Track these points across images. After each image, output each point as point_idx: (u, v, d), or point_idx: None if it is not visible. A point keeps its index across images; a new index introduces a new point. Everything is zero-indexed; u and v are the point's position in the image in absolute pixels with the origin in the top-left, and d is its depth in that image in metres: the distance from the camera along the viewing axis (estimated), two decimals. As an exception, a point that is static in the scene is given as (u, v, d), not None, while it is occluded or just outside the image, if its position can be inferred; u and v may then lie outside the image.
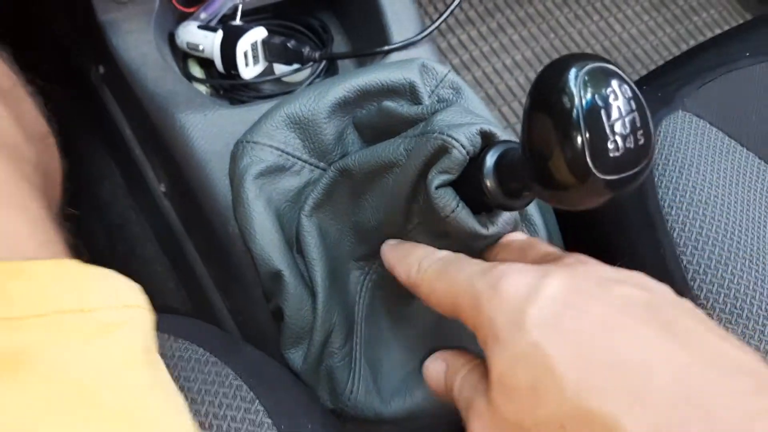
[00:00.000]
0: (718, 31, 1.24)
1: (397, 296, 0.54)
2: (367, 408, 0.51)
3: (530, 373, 0.35)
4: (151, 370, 0.36)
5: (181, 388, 0.41)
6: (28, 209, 0.39)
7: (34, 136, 0.50)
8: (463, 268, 0.42)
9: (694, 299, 0.49)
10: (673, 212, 0.51)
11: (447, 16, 0.67)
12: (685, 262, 0.49)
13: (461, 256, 0.44)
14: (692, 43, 1.23)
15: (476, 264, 0.41)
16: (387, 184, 0.49)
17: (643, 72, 1.20)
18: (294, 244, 0.55)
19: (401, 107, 0.53)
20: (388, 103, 0.54)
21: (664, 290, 0.38)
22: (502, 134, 0.47)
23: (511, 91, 1.15)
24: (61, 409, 0.31)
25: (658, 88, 0.61)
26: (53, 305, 0.33)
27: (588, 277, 0.38)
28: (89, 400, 0.32)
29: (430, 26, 0.66)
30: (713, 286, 0.48)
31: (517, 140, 0.47)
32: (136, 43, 0.64)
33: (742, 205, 0.52)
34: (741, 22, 1.26)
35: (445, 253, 0.45)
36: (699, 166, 0.53)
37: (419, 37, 0.66)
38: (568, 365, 0.34)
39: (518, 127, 1.12)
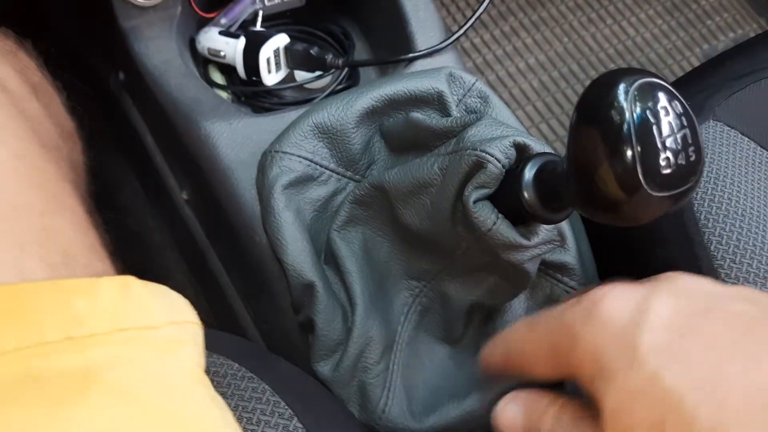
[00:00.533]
0: (731, 35, 1.24)
1: (443, 324, 0.53)
2: (399, 426, 0.50)
3: (653, 409, 0.31)
4: (208, 385, 0.36)
5: (219, 405, 0.41)
6: (75, 211, 0.39)
7: (65, 133, 0.49)
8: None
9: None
10: (710, 225, 0.50)
11: (473, 22, 0.66)
12: (723, 276, 0.49)
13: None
14: (706, 47, 1.22)
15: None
16: (426, 205, 0.49)
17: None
18: (322, 254, 0.55)
19: (429, 119, 0.52)
20: (416, 114, 0.53)
21: None
22: (536, 144, 0.47)
23: (525, 95, 1.15)
24: (132, 428, 0.30)
25: (687, 98, 0.59)
26: (120, 323, 0.32)
27: (695, 295, 0.35)
28: (160, 418, 0.31)
29: (455, 33, 0.66)
30: (752, 300, 0.48)
31: (553, 151, 0.46)
32: (159, 50, 0.63)
33: (778, 216, 0.51)
34: (754, 25, 1.25)
35: None
36: (733, 177, 0.52)
37: (445, 44, 0.65)
38: (698, 399, 0.30)
39: (533, 132, 1.11)
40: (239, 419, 0.40)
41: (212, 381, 0.42)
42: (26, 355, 0.30)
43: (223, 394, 0.42)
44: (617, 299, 0.35)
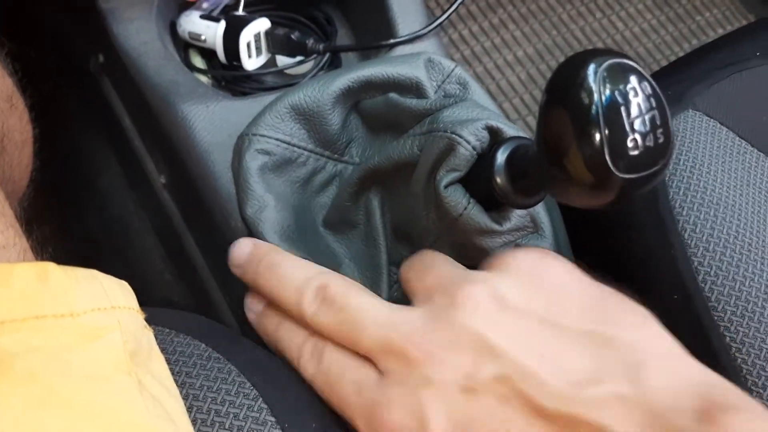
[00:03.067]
0: (720, 31, 1.23)
1: None
2: None
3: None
4: (140, 374, 0.34)
5: (183, 385, 0.40)
6: None
7: None
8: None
9: (705, 301, 0.48)
10: (684, 213, 0.50)
11: (455, 9, 0.66)
12: (696, 264, 0.49)
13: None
14: (695, 42, 1.22)
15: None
16: (400, 189, 0.49)
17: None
18: (308, 230, 0.54)
19: (407, 100, 0.52)
20: (395, 95, 0.53)
21: None
22: (510, 129, 0.47)
23: (512, 87, 1.15)
24: (36, 417, 0.29)
25: (668, 87, 0.60)
26: (35, 310, 0.31)
27: None
28: (72, 408, 0.30)
29: (436, 19, 0.65)
30: (724, 288, 0.48)
31: (526, 136, 0.46)
32: (138, 32, 0.63)
33: (753, 206, 0.51)
34: (744, 22, 1.25)
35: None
36: (710, 166, 0.52)
37: (426, 30, 0.65)
38: None
39: (519, 124, 1.11)
40: (203, 399, 0.40)
41: (178, 361, 0.42)
42: None
43: (188, 374, 0.41)
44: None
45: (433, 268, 0.44)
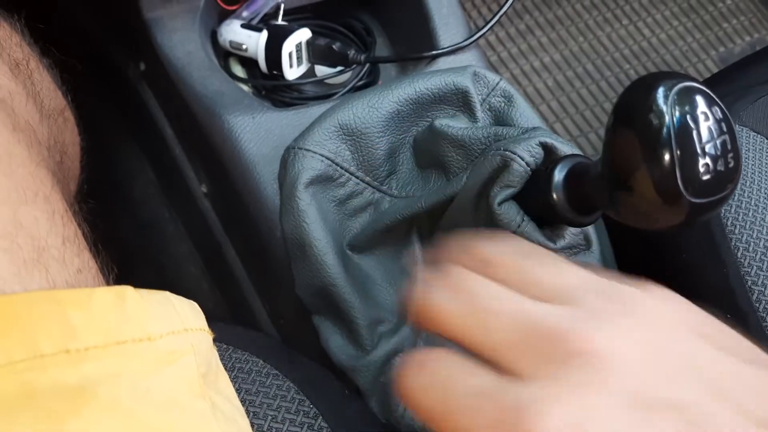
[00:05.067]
0: (747, 39, 1.23)
1: None
2: (419, 426, 0.50)
3: None
4: (212, 395, 0.35)
5: (243, 402, 0.41)
6: (49, 200, 0.36)
7: (51, 112, 0.47)
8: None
9: (760, 321, 0.48)
10: (737, 231, 0.50)
11: (498, 19, 0.66)
12: (749, 283, 0.48)
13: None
14: (722, 50, 1.22)
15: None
16: (450, 211, 0.49)
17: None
18: (344, 249, 0.55)
19: (451, 128, 0.52)
20: (440, 122, 0.53)
21: None
22: (564, 146, 0.47)
23: (539, 93, 1.14)
24: None
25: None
26: (115, 335, 0.31)
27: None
28: None
29: (480, 30, 0.65)
30: (779, 307, 0.48)
31: (578, 152, 0.46)
32: (182, 42, 0.63)
33: (804, 224, 0.51)
34: (770, 29, 1.25)
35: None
36: (760, 183, 0.52)
37: (468, 41, 0.65)
38: None
39: (546, 131, 1.11)
40: (264, 417, 0.40)
41: (237, 377, 0.42)
42: (20, 369, 0.29)
43: (248, 391, 0.41)
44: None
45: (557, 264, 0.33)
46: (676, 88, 0.35)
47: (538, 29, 1.19)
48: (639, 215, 0.37)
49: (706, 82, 0.68)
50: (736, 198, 0.51)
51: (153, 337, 0.32)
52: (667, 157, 0.34)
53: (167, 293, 0.35)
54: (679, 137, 0.34)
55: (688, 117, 0.35)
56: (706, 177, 0.35)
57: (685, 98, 0.35)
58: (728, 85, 0.63)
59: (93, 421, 0.29)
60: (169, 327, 0.34)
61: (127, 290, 0.33)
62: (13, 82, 0.42)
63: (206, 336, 0.36)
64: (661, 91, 0.35)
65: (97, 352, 0.30)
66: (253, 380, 0.42)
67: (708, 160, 0.35)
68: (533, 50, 1.17)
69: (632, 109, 0.36)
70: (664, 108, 0.35)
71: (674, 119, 0.35)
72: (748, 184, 0.52)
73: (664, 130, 0.34)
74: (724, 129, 0.35)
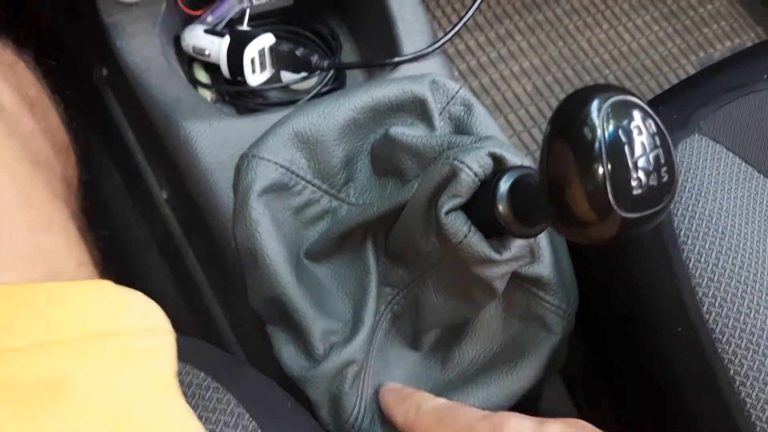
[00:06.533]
0: (728, 44, 1.23)
1: (413, 331, 0.53)
2: None
3: None
4: (181, 395, 0.35)
5: (182, 415, 0.40)
6: (66, 228, 0.38)
7: (61, 147, 0.49)
8: (463, 413, 0.43)
9: (709, 333, 0.47)
10: (689, 242, 0.50)
11: (459, 29, 0.66)
12: (700, 295, 0.48)
13: (459, 405, 0.46)
14: (702, 55, 1.21)
15: (475, 411, 0.43)
16: (401, 217, 0.49)
17: (652, 83, 1.19)
18: (299, 258, 0.54)
19: (407, 135, 0.52)
20: (396, 130, 0.52)
21: None
22: (514, 157, 0.46)
23: (518, 98, 1.14)
24: None
25: (674, 110, 0.59)
26: (91, 329, 0.32)
27: None
28: (127, 429, 0.31)
29: (442, 38, 0.65)
30: (729, 320, 0.47)
31: (530, 165, 0.46)
32: (141, 47, 0.63)
33: (759, 235, 0.50)
34: (752, 34, 1.24)
35: (442, 400, 0.46)
36: (716, 193, 0.52)
37: (431, 49, 0.64)
38: None
39: (524, 136, 1.11)
40: (201, 431, 0.40)
41: (177, 390, 0.42)
42: None
43: (187, 404, 0.41)
44: (520, 422, 0.41)
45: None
46: (609, 101, 0.35)
47: (517, 34, 1.19)
48: (573, 229, 0.37)
49: (670, 90, 0.67)
50: (690, 209, 0.51)
51: (131, 332, 0.33)
52: (599, 170, 0.34)
53: (140, 293, 0.35)
54: (610, 151, 0.34)
55: (620, 131, 0.34)
56: (638, 192, 0.34)
57: (619, 112, 0.35)
58: (693, 91, 0.63)
59: (68, 413, 0.29)
60: (147, 324, 0.34)
61: (107, 285, 0.34)
62: (33, 120, 0.44)
63: (173, 338, 0.36)
64: (595, 104, 0.35)
65: (72, 345, 0.31)
66: (192, 393, 0.41)
67: (641, 174, 0.34)
68: (513, 55, 1.17)
69: (566, 120, 0.36)
70: (597, 121, 0.34)
71: (606, 133, 0.34)
72: (703, 195, 0.52)
73: (596, 143, 0.34)
74: (658, 143, 0.35)
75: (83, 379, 0.31)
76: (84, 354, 0.31)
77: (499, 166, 0.46)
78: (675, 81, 1.18)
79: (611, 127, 0.34)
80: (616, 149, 0.34)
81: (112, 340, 0.32)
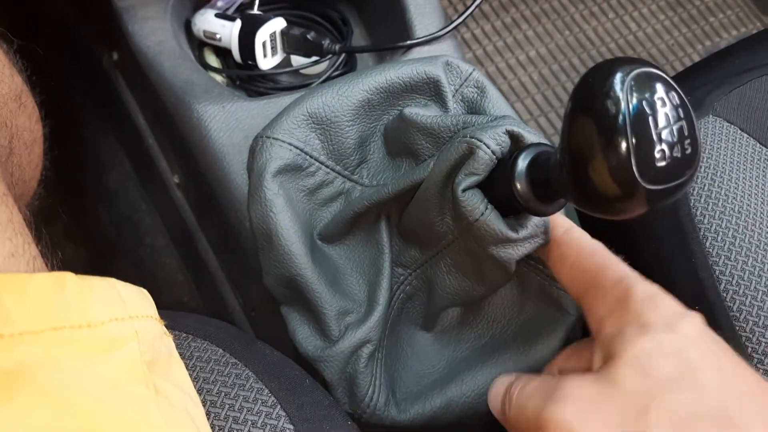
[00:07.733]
0: (734, 33, 1.23)
1: (425, 312, 0.53)
2: (385, 417, 0.50)
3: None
4: (159, 383, 0.34)
5: (201, 391, 0.40)
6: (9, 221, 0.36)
7: (3, 96, 0.46)
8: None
9: (727, 311, 0.47)
10: (706, 221, 0.50)
11: (473, 10, 0.65)
12: (717, 273, 0.48)
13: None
14: (708, 44, 1.21)
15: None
16: (417, 198, 0.49)
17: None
18: (312, 239, 0.54)
19: (421, 115, 0.52)
20: (410, 110, 0.52)
21: None
22: (531, 135, 0.46)
23: (524, 87, 1.14)
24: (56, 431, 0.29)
25: (688, 92, 0.59)
26: (52, 321, 0.31)
27: None
28: (90, 421, 0.30)
29: (454, 21, 0.65)
30: (746, 298, 0.47)
31: (547, 142, 0.46)
32: (153, 30, 0.62)
33: (774, 215, 0.50)
34: (757, 23, 1.24)
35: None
36: (731, 173, 0.52)
37: (444, 31, 0.64)
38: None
39: (531, 125, 1.11)
40: (221, 405, 0.40)
41: (196, 366, 0.42)
42: None
43: (205, 380, 0.41)
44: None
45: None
46: (633, 74, 0.35)
47: (524, 22, 1.19)
48: (597, 204, 0.36)
49: (682, 74, 0.67)
50: (706, 188, 0.51)
51: (93, 324, 0.32)
52: (622, 144, 0.34)
53: (113, 280, 0.35)
54: (634, 124, 0.34)
55: (644, 103, 0.34)
56: (661, 164, 0.34)
57: (642, 84, 0.35)
58: (705, 75, 0.63)
59: (27, 406, 0.29)
60: (111, 314, 0.33)
61: (67, 276, 0.33)
62: None
63: (154, 324, 0.35)
64: (618, 77, 0.35)
65: (32, 337, 0.30)
66: (211, 369, 0.41)
67: (664, 146, 0.34)
68: (519, 44, 1.17)
69: (589, 95, 0.35)
70: (621, 94, 0.34)
71: (630, 106, 0.34)
72: (719, 174, 0.52)
73: (620, 117, 0.34)
74: (681, 115, 0.35)
75: (42, 372, 0.30)
76: (44, 346, 0.30)
77: (517, 144, 0.46)
78: (681, 69, 1.18)
79: (635, 100, 0.34)
80: (641, 122, 0.34)
81: (73, 332, 0.31)
